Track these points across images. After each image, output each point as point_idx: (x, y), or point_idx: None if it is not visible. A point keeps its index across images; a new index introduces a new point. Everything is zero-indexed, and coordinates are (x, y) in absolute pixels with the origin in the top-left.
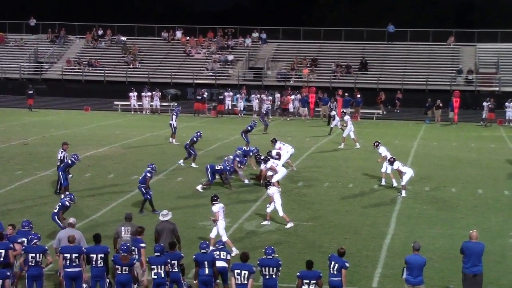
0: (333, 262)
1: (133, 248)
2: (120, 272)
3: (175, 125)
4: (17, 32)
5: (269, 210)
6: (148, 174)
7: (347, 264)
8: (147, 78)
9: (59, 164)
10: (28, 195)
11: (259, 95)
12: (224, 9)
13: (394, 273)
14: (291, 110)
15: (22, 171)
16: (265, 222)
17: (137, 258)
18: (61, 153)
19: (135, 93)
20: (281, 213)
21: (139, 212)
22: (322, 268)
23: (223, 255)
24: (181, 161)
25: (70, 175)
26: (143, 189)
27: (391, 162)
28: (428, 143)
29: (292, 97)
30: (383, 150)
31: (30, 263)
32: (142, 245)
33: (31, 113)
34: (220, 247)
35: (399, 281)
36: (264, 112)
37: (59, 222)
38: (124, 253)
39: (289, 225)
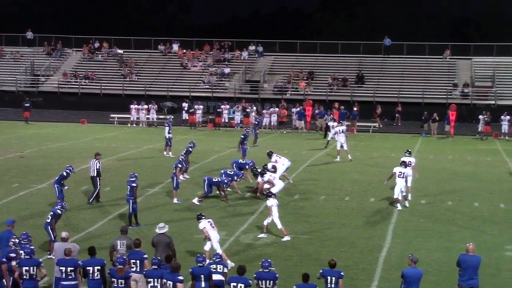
0: (329, 277)
1: (133, 261)
2: (116, 285)
3: (169, 137)
4: (14, 45)
5: (265, 222)
6: (134, 184)
7: (342, 274)
8: (144, 91)
9: (95, 175)
10: (24, 208)
11: (255, 108)
12: (220, 22)
13: (391, 286)
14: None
15: (18, 184)
16: (261, 235)
17: (137, 270)
18: (98, 164)
19: (136, 106)
20: (279, 226)
21: (130, 226)
22: (319, 281)
23: (220, 268)
24: (184, 174)
25: (66, 187)
26: (132, 201)
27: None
28: (424, 156)
29: (294, 110)
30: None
31: (24, 277)
32: (145, 256)
33: (28, 126)
34: (217, 260)
35: None
36: (256, 122)
37: (51, 232)
38: (120, 266)
39: (286, 238)
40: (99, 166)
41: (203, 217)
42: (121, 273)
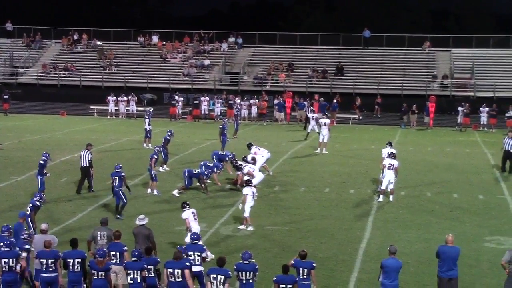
0: (300, 268)
1: (113, 252)
2: (96, 277)
3: (149, 129)
4: None
5: (246, 214)
6: (123, 174)
7: (314, 265)
8: (123, 82)
9: (87, 165)
10: (3, 200)
11: (237, 100)
12: (200, 14)
13: (370, 277)
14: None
15: None
16: (242, 227)
17: (117, 262)
18: (90, 155)
19: (114, 98)
20: (246, 214)
21: (116, 218)
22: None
23: (197, 259)
24: (164, 166)
25: (48, 174)
26: (121, 192)
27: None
28: (403, 148)
29: (275, 101)
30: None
31: (3, 269)
32: (125, 248)
33: (7, 118)
34: (194, 241)
35: (375, 286)
36: (236, 113)
37: (31, 224)
38: (100, 258)
39: (250, 228)
40: (91, 157)
41: (187, 206)
42: (101, 265)
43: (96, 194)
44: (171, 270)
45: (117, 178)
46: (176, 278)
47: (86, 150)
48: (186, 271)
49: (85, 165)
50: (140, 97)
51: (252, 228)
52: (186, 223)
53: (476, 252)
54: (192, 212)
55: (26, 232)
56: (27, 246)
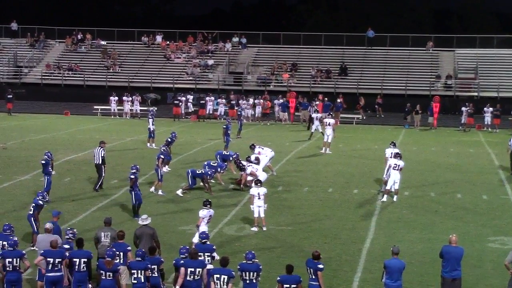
0: (307, 268)
1: (117, 252)
2: (104, 278)
3: (152, 129)
4: None
5: (256, 214)
6: (132, 176)
7: (320, 266)
8: (127, 82)
9: (100, 162)
10: (6, 199)
11: (241, 100)
12: (203, 14)
13: (374, 277)
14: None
15: (1, 175)
16: (263, 228)
17: (120, 262)
18: (103, 151)
19: (116, 98)
20: (255, 215)
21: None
22: (302, 272)
23: (208, 259)
24: (166, 167)
25: (53, 172)
26: (133, 193)
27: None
28: (407, 148)
29: (276, 101)
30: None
31: (7, 268)
32: (129, 248)
33: (10, 117)
34: (203, 240)
35: (378, 286)
36: (239, 113)
37: (34, 223)
38: (108, 258)
39: (253, 228)
40: (104, 154)
41: (208, 206)
42: (109, 266)
43: (99, 194)
44: (192, 269)
45: (129, 179)
46: (196, 276)
47: (99, 147)
48: (205, 270)
49: (98, 162)
50: (143, 97)
51: (256, 229)
52: (199, 221)
53: (480, 252)
54: (210, 215)
55: (71, 232)
56: (67, 246)
